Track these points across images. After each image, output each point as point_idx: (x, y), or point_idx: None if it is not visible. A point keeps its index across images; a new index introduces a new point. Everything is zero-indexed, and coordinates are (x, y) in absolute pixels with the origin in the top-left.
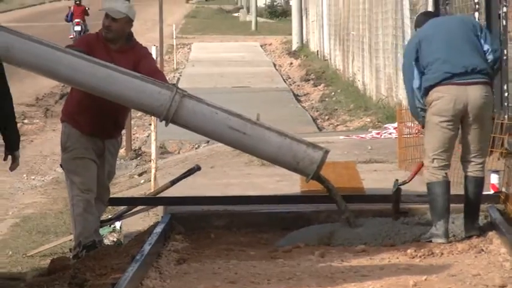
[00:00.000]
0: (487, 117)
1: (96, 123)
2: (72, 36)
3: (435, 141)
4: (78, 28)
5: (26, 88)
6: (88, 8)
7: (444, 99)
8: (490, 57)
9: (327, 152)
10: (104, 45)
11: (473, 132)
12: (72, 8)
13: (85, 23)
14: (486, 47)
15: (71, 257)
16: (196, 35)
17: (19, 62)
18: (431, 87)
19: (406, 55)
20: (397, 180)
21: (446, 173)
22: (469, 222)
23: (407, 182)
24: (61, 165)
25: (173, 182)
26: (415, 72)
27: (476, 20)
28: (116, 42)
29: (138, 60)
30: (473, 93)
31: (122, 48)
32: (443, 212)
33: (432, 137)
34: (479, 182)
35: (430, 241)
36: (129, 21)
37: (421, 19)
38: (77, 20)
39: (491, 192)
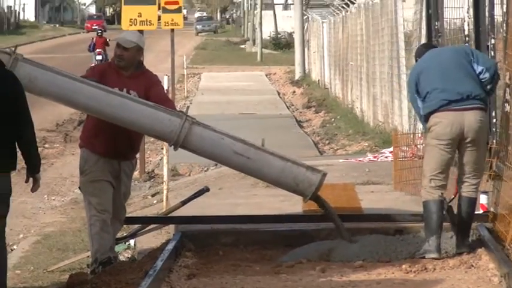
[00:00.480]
0: (483, 141)
1: (112, 145)
2: (93, 65)
3: (433, 163)
4: (99, 57)
5: (46, 115)
6: (109, 40)
7: (442, 124)
8: (486, 75)
9: (324, 174)
10: (117, 73)
11: (469, 154)
12: (94, 39)
13: (106, 53)
14: (480, 68)
15: (88, 272)
16: (206, 65)
17: (41, 92)
18: (430, 113)
19: (408, 88)
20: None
21: (442, 193)
22: (460, 240)
23: (453, 198)
24: (79, 188)
25: (184, 202)
26: (418, 101)
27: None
28: (127, 70)
29: (149, 86)
30: (469, 118)
31: (133, 74)
32: (436, 229)
33: (430, 159)
34: (473, 202)
35: (424, 256)
36: (139, 49)
37: (421, 50)
38: (98, 50)
39: (481, 211)
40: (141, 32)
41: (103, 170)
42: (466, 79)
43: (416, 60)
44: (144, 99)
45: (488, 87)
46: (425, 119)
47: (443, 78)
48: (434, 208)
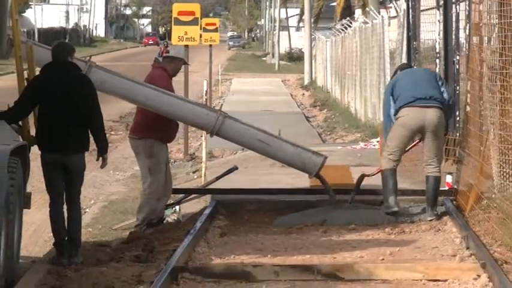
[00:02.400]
0: (440, 133)
1: (167, 135)
2: None
3: (395, 142)
4: None
5: (113, 109)
6: (159, 38)
7: (408, 116)
8: (445, 96)
9: (326, 158)
10: (170, 77)
11: (430, 143)
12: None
13: (156, 44)
14: (443, 89)
15: (137, 229)
16: (235, 72)
17: (109, 92)
18: (401, 107)
19: (385, 93)
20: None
21: (396, 165)
22: (429, 210)
23: (370, 175)
24: (149, 168)
25: (218, 178)
26: (391, 103)
27: (437, 65)
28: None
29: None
30: (430, 114)
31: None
32: (393, 189)
33: (394, 139)
34: (437, 180)
35: (388, 212)
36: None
37: (402, 65)
38: (150, 41)
39: (446, 188)
40: (186, 46)
41: (166, 153)
42: (431, 88)
43: (396, 72)
44: None
45: (445, 106)
46: (395, 112)
47: (414, 84)
48: (391, 174)
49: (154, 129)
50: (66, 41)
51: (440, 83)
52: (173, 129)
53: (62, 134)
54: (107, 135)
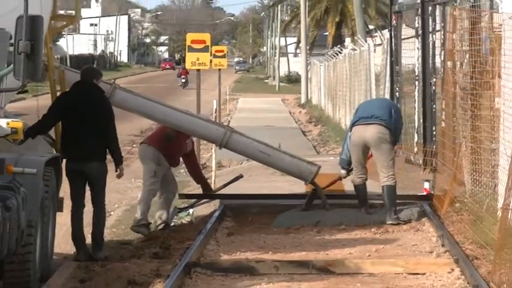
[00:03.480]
0: (383, 146)
1: (174, 163)
2: (180, 84)
3: (353, 160)
4: (183, 80)
5: (134, 124)
6: (189, 72)
7: (354, 134)
8: (394, 117)
9: (319, 167)
10: None
11: (376, 156)
12: (180, 70)
13: (187, 77)
14: (392, 114)
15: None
16: (241, 93)
17: (131, 110)
18: (351, 127)
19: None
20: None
21: (362, 179)
22: (388, 215)
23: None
24: (154, 172)
25: (225, 185)
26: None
27: (416, 86)
28: None
29: None
30: (370, 130)
31: None
32: (364, 200)
33: (352, 157)
34: (389, 188)
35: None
36: None
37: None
38: (182, 76)
39: (424, 193)
40: (198, 70)
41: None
42: (377, 109)
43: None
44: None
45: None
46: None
47: (366, 107)
48: (361, 188)
49: (166, 148)
50: (94, 66)
51: (392, 110)
52: (176, 160)
53: (81, 145)
54: (129, 147)
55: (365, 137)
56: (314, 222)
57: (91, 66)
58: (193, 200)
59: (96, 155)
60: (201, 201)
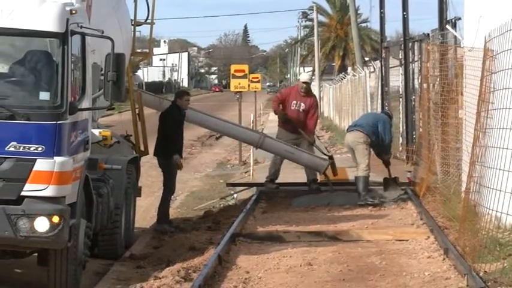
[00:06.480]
0: (358, 147)
1: None
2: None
3: (352, 158)
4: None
5: (193, 132)
6: (222, 87)
7: (345, 139)
8: (379, 130)
9: (330, 162)
10: (298, 93)
11: (355, 154)
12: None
13: (220, 91)
14: (379, 128)
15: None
16: (271, 109)
17: (191, 121)
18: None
19: None
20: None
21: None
22: (358, 198)
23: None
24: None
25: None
26: None
27: (400, 102)
28: (305, 93)
29: (311, 104)
30: (349, 136)
31: (305, 95)
32: (364, 189)
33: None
34: (357, 179)
35: (363, 200)
36: (310, 83)
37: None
38: (216, 89)
39: (407, 181)
40: (238, 92)
41: None
42: (362, 120)
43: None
44: (306, 110)
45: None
46: None
47: (357, 119)
48: (362, 180)
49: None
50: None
51: (379, 123)
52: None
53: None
54: (189, 149)
55: (348, 141)
56: (326, 203)
57: (181, 91)
58: (237, 188)
59: (164, 152)
60: (243, 188)
